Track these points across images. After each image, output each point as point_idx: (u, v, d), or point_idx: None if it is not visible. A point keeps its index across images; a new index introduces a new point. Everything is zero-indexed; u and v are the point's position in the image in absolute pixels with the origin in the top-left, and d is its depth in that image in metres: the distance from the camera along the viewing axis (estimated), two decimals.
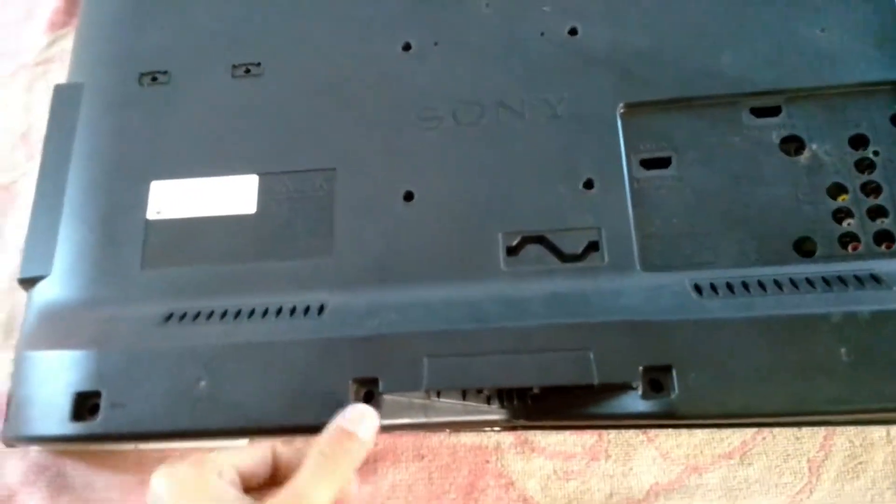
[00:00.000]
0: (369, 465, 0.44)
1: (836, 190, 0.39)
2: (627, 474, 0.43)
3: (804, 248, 0.38)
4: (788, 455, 0.42)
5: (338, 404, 0.35)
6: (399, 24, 0.46)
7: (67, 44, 0.60)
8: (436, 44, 0.45)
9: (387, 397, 0.35)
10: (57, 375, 0.38)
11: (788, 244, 0.38)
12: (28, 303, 0.43)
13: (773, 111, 0.41)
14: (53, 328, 0.41)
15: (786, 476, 0.42)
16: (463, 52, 0.45)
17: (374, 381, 0.35)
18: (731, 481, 0.42)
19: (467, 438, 0.44)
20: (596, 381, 0.33)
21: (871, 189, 0.39)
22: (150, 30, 0.48)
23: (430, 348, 0.35)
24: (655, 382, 0.34)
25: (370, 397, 0.35)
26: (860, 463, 0.42)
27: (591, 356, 0.34)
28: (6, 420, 0.40)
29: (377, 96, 0.45)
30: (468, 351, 0.35)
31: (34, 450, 0.43)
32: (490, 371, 0.34)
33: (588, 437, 0.43)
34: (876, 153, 0.40)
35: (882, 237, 0.38)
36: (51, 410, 0.37)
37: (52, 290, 0.43)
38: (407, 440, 0.44)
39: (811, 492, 0.41)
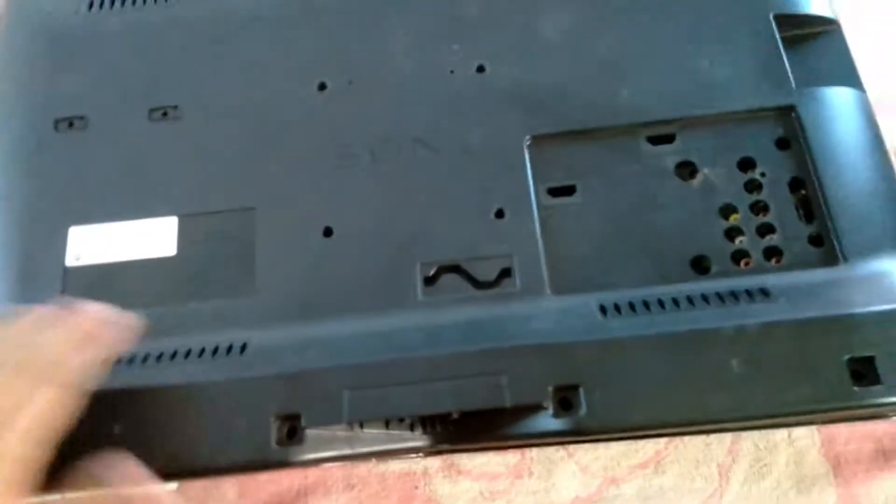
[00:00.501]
0: (301, 498, 0.45)
1: (728, 210, 0.42)
2: (550, 490, 0.45)
3: (701, 266, 0.41)
4: (699, 461, 0.45)
5: (262, 442, 0.35)
6: (314, 65, 0.47)
7: None
8: (350, 83, 0.47)
9: (310, 432, 0.36)
10: None
11: (685, 263, 0.41)
12: None
13: (668, 139, 0.44)
14: None
15: (698, 481, 0.44)
16: (377, 91, 0.46)
17: (297, 417, 0.36)
18: (648, 490, 0.44)
19: (396, 465, 0.45)
20: (508, 404, 0.35)
21: (759, 208, 0.42)
22: (66, 74, 0.49)
23: (349, 381, 0.36)
24: (565, 401, 0.35)
25: (293, 433, 0.36)
26: (765, 465, 0.44)
27: (504, 380, 0.35)
28: None
29: (295, 136, 0.46)
30: (387, 381, 0.36)
31: None
32: (409, 400, 0.36)
33: (511, 457, 0.45)
34: (763, 174, 0.43)
35: (771, 252, 0.41)
36: None
37: None
38: (336, 471, 0.45)
39: (721, 495, 0.44)
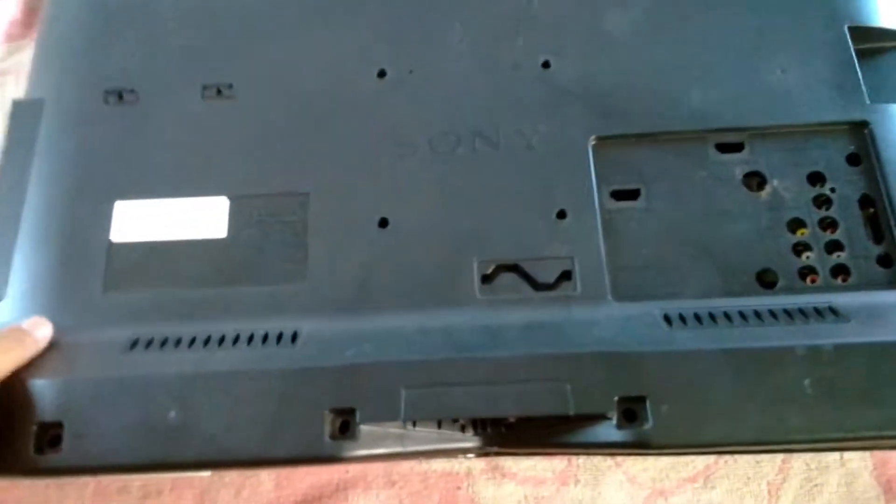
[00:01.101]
0: (340, 492, 0.44)
1: (796, 224, 0.41)
2: (596, 499, 0.44)
3: (766, 280, 0.40)
4: (749, 478, 0.44)
5: (314, 435, 0.34)
6: (374, 51, 0.46)
7: (24, 56, 0.59)
8: (411, 72, 0.46)
9: (363, 427, 0.35)
10: (17, 406, 0.36)
11: (751, 276, 0.40)
12: None
13: (737, 147, 0.43)
14: None
15: (747, 499, 0.43)
16: (438, 82, 0.45)
17: (351, 412, 0.35)
18: None
19: (438, 465, 0.44)
20: (572, 412, 0.34)
21: (827, 224, 0.41)
22: (117, 46, 0.47)
23: (407, 379, 0.35)
24: (629, 412, 0.34)
25: (346, 428, 0.35)
26: (816, 485, 0.43)
27: (568, 387, 0.34)
28: None
29: (352, 122, 0.45)
30: (445, 381, 0.35)
31: None
32: (468, 402, 0.34)
33: (558, 463, 0.44)
34: (833, 190, 0.42)
35: (838, 270, 0.40)
36: (11, 443, 0.35)
37: (6, 314, 0.41)
38: (377, 467, 0.44)
39: None
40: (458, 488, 0.44)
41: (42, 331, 0.39)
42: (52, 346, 0.39)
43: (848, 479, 0.43)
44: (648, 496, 0.44)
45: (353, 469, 0.44)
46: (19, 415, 0.36)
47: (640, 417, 0.34)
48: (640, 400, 0.34)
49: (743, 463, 0.44)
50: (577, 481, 0.44)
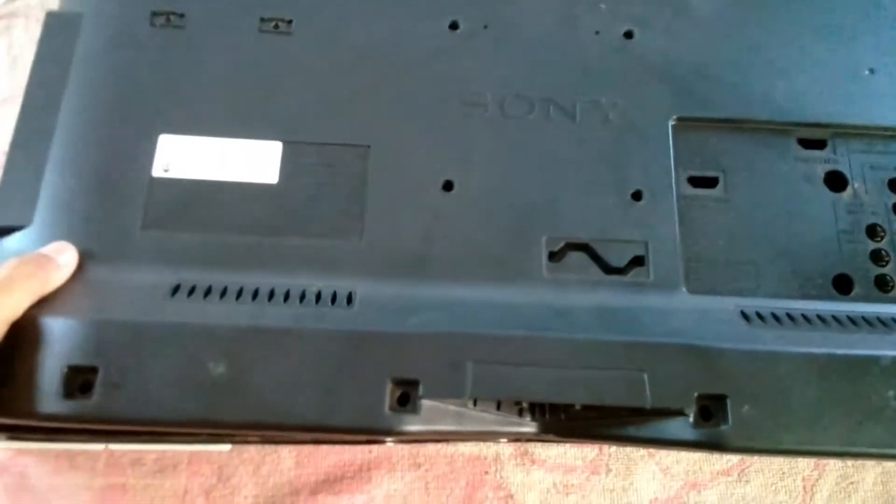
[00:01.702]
0: (363, 473, 0.42)
1: (874, 231, 0.39)
2: (627, 489, 0.42)
3: (843, 285, 0.38)
4: (784, 473, 0.43)
5: (374, 405, 0.32)
6: (448, 1, 0.43)
7: None
8: (485, 27, 0.43)
9: (425, 402, 0.33)
10: (44, 345, 0.33)
11: (828, 279, 0.38)
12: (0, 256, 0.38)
13: (820, 144, 0.41)
14: None
15: (781, 494, 0.42)
16: (513, 40, 0.42)
17: (414, 384, 0.32)
18: (729, 498, 0.42)
19: (466, 448, 0.43)
20: (649, 405, 0.32)
21: None
22: None
23: (474, 353, 0.33)
24: (706, 411, 0.33)
25: (405, 400, 0.33)
26: (852, 483, 0.43)
27: (646, 378, 0.32)
28: None
29: (418, 73, 0.42)
30: (516, 360, 0.33)
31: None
32: (539, 384, 0.32)
33: (589, 451, 0.43)
34: None
35: None
36: (36, 385, 0.32)
37: (31, 242, 0.38)
38: (402, 448, 0.42)
39: None
40: (486, 473, 0.42)
41: (67, 257, 0.36)
42: (82, 281, 0.36)
43: (884, 478, 0.43)
44: (681, 488, 0.42)
45: (377, 449, 0.42)
46: (46, 354, 0.33)
47: (717, 417, 0.33)
48: (721, 398, 0.32)
49: (778, 458, 0.43)
50: (608, 470, 0.43)
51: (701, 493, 0.42)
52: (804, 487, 0.43)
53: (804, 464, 0.44)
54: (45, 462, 0.41)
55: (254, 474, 0.42)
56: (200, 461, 0.41)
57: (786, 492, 0.43)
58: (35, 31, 0.50)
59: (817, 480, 0.43)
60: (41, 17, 0.51)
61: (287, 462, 0.42)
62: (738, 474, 0.43)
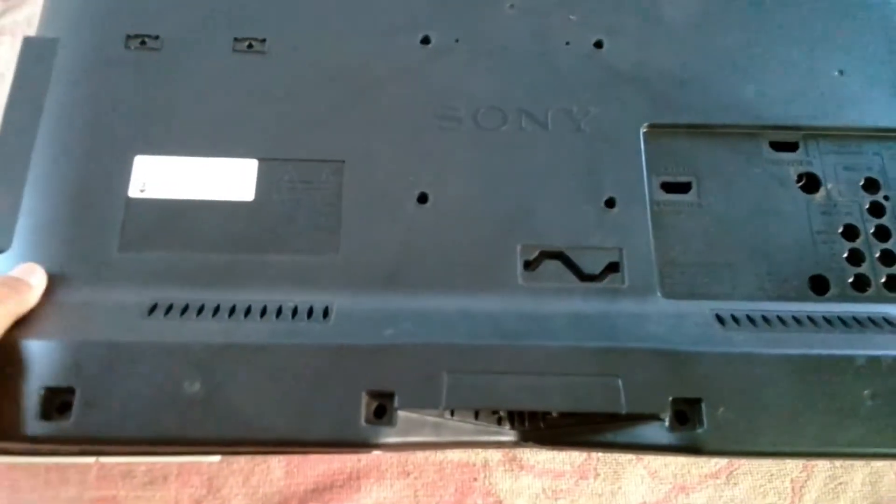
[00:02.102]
0: (353, 482, 0.42)
1: (850, 231, 0.40)
2: (616, 493, 0.42)
3: (819, 286, 0.39)
4: (772, 475, 0.43)
5: (349, 418, 0.32)
6: (419, 15, 0.44)
7: (20, 15, 0.55)
8: (457, 41, 0.43)
9: (401, 413, 0.33)
10: (22, 368, 0.33)
11: (804, 281, 0.39)
12: None
13: (792, 146, 0.42)
14: None
15: (770, 496, 0.42)
16: (485, 53, 0.43)
17: (389, 395, 0.32)
18: (718, 501, 0.42)
19: (454, 455, 0.43)
20: (624, 411, 0.32)
21: (882, 234, 0.40)
22: None
23: (449, 363, 0.33)
24: (682, 415, 0.33)
25: (382, 412, 0.33)
26: (840, 483, 0.43)
27: (620, 384, 0.32)
28: None
29: (392, 88, 0.42)
30: (490, 369, 0.33)
31: None
32: (514, 392, 0.33)
33: (577, 456, 0.43)
34: (886, 198, 0.40)
35: (893, 283, 0.39)
36: (14, 407, 0.32)
37: (11, 267, 0.38)
38: (391, 456, 0.42)
39: None
40: (475, 479, 0.42)
41: (37, 277, 0.36)
42: (60, 303, 0.36)
43: (873, 478, 0.43)
44: (669, 491, 0.42)
45: (366, 458, 0.42)
46: (24, 376, 0.33)
47: (693, 420, 0.33)
48: (695, 402, 0.33)
49: (759, 459, 0.43)
50: (596, 475, 0.43)
51: (689, 496, 0.42)
52: (793, 489, 0.43)
53: (792, 465, 0.44)
54: (35, 475, 0.41)
55: (244, 485, 0.42)
56: (190, 472, 0.41)
57: (774, 493, 0.43)
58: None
59: (806, 482, 0.43)
60: (28, 32, 0.51)
61: (277, 472, 0.42)
62: (727, 477, 0.43)
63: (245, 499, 0.41)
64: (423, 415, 0.34)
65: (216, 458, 0.40)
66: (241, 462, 0.41)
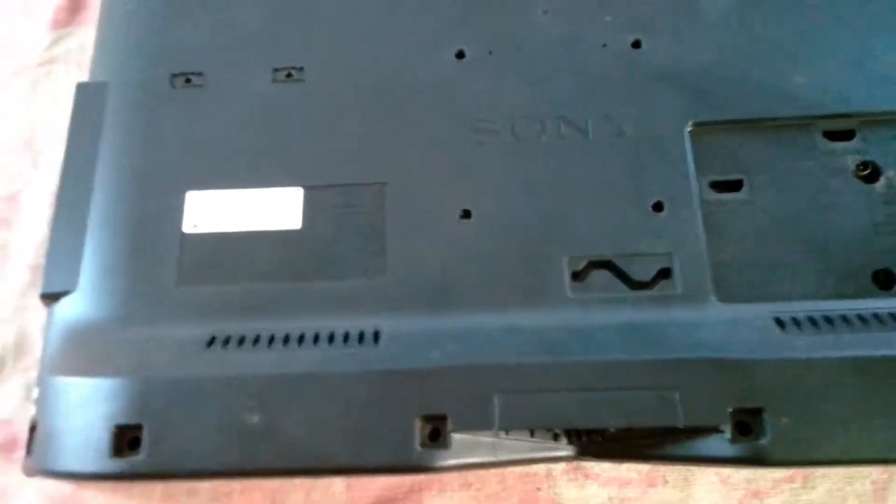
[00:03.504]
0: (414, 495, 0.42)
1: None
2: (687, 500, 0.41)
3: (883, 281, 0.37)
4: (852, 477, 0.41)
5: (404, 443, 0.33)
6: (451, 31, 0.43)
7: (73, 43, 0.57)
8: (490, 52, 0.43)
9: (456, 436, 0.33)
10: (92, 405, 0.35)
11: (867, 276, 0.37)
12: (49, 321, 0.40)
13: (847, 135, 0.40)
14: (83, 350, 0.38)
15: (850, 500, 0.41)
16: (520, 63, 0.42)
17: (442, 419, 0.33)
18: None
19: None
20: (682, 424, 0.31)
21: None
22: (183, 27, 0.45)
23: (500, 384, 0.33)
24: (743, 425, 0.32)
25: (437, 435, 0.33)
26: None
27: (677, 396, 0.32)
28: (31, 451, 0.37)
29: (429, 106, 0.42)
30: (542, 387, 0.33)
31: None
32: (568, 410, 0.32)
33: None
34: None
35: None
36: (86, 444, 0.34)
37: (78, 306, 0.40)
38: None
39: None
40: (539, 489, 0.42)
41: None
42: (124, 340, 0.38)
43: None
44: (742, 497, 0.41)
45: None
46: (93, 414, 0.35)
47: (755, 431, 0.32)
48: (756, 412, 0.32)
49: None
50: (665, 482, 0.42)
51: (763, 502, 0.41)
52: (874, 491, 0.41)
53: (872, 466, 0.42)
54: (103, 494, 0.42)
55: (305, 499, 0.42)
56: (253, 489, 0.42)
57: (855, 497, 0.41)
58: (76, 75, 0.52)
59: (888, 483, 0.41)
60: (81, 60, 0.53)
61: (338, 486, 0.42)
62: (803, 481, 0.41)
63: None
64: (476, 436, 0.34)
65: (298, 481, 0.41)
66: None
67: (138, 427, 0.34)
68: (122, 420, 0.34)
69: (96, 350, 0.38)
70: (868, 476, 0.41)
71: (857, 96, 0.40)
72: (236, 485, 0.43)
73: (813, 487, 0.41)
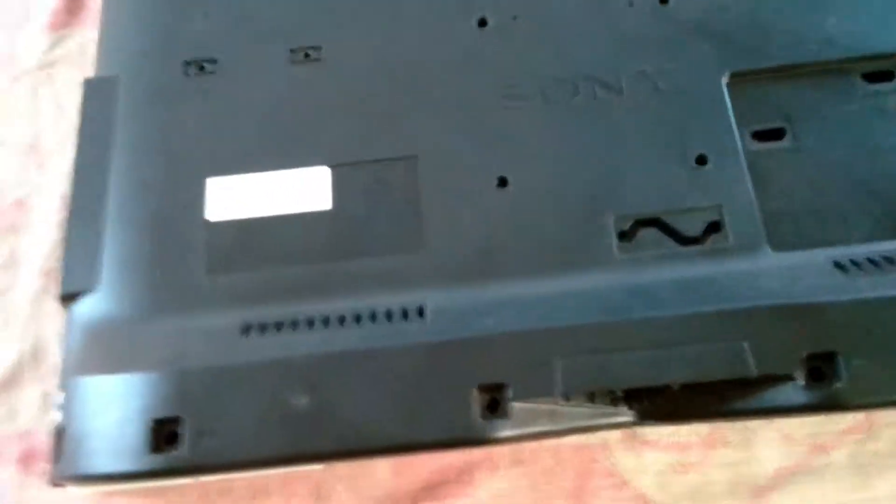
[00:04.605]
0: (464, 476, 0.40)
1: None
2: (750, 461, 0.40)
3: None
4: None
5: (462, 415, 0.31)
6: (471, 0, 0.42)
7: (72, 45, 0.55)
8: (514, 18, 0.42)
9: (514, 405, 0.31)
10: (125, 401, 0.33)
11: None
12: (69, 322, 0.38)
13: (888, 76, 0.39)
14: (111, 347, 0.36)
15: None
16: (546, 26, 0.41)
17: (502, 388, 0.31)
18: (861, 457, 0.39)
19: (569, 437, 0.41)
20: (755, 374, 0.30)
21: None
22: (193, 14, 0.44)
23: (561, 347, 0.32)
24: (816, 371, 0.30)
25: (495, 406, 0.31)
26: None
27: (746, 346, 0.30)
28: (59, 458, 0.34)
29: (453, 76, 0.41)
30: (604, 347, 0.31)
31: (79, 489, 0.38)
32: (633, 369, 0.31)
33: (702, 426, 0.40)
34: None
35: None
36: (121, 443, 0.32)
37: (100, 305, 0.38)
38: (502, 446, 0.41)
39: None
40: (595, 461, 0.40)
41: None
42: (156, 333, 0.36)
43: None
44: (807, 453, 0.39)
45: (476, 451, 0.41)
46: (129, 409, 0.33)
47: (829, 376, 0.30)
48: (830, 356, 0.30)
49: None
50: (726, 443, 0.40)
51: (829, 455, 0.39)
52: None
53: None
54: (133, 499, 0.40)
55: (351, 490, 0.40)
56: (294, 483, 0.41)
57: None
58: (77, 76, 0.51)
59: None
60: (81, 62, 0.52)
61: (384, 472, 0.41)
62: (867, 431, 0.40)
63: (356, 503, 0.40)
64: (536, 404, 0.32)
65: (318, 466, 0.39)
66: (346, 466, 0.40)
67: (176, 420, 0.32)
68: (159, 414, 0.32)
69: (125, 345, 0.36)
70: None
71: (894, 36, 0.39)
72: (275, 480, 0.41)
73: (878, 438, 0.39)
